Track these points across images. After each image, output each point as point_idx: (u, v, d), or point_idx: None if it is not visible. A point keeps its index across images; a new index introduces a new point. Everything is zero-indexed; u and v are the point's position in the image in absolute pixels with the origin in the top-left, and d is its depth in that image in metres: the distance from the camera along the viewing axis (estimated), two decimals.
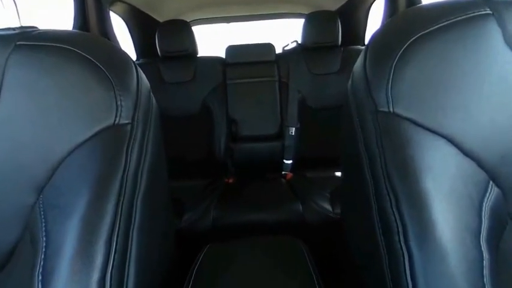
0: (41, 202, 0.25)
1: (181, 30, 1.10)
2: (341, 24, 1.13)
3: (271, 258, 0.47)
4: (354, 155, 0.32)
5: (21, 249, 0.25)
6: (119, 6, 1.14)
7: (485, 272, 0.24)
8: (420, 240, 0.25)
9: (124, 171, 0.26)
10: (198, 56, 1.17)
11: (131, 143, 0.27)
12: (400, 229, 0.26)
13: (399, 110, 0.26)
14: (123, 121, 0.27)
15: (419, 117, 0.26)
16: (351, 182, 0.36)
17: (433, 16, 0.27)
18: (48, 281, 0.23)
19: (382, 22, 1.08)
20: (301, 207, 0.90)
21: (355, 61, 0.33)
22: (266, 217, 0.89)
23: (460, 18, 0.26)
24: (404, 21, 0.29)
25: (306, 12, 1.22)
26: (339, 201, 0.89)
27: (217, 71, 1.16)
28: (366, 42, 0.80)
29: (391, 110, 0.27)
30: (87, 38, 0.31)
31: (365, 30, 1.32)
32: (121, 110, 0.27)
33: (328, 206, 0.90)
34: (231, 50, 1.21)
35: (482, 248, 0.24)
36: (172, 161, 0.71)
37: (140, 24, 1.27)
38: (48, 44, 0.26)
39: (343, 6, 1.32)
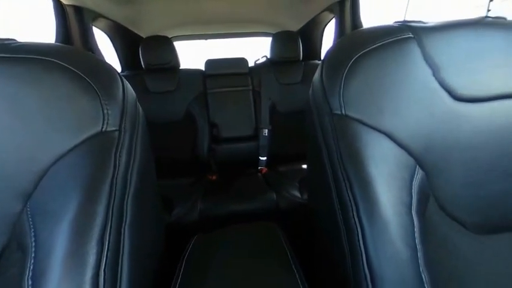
0: (28, 209, 0.22)
1: (163, 45, 1.06)
2: (301, 42, 1.17)
3: (252, 242, 0.47)
4: (316, 149, 0.33)
5: (8, 257, 0.22)
6: (102, 22, 1.06)
7: (416, 235, 0.26)
8: (369, 215, 0.26)
9: (113, 174, 0.25)
10: (180, 68, 1.14)
11: (119, 148, 0.26)
12: (354, 207, 0.27)
13: (349, 113, 0.28)
14: (111, 128, 0.25)
15: (365, 118, 0.27)
16: (315, 172, 0.36)
17: (371, 38, 0.29)
18: (38, 283, 0.20)
19: (334, 41, 1.14)
20: (275, 196, 0.91)
21: (314, 73, 0.34)
22: (246, 207, 0.88)
23: (390, 40, 0.29)
24: (350, 42, 0.31)
25: (273, 32, 1.22)
26: (306, 188, 0.91)
27: (198, 81, 1.14)
28: (322, 57, 0.85)
29: (343, 112, 0.28)
30: (70, 50, 0.27)
31: (321, 47, 1.37)
32: (108, 118, 0.25)
33: (297, 194, 0.91)
34: (210, 63, 1.19)
35: (414, 217, 0.26)
36: (160, 163, 0.68)
37: (124, 39, 1.20)
38: (29, 56, 0.23)
39: (302, 27, 1.36)
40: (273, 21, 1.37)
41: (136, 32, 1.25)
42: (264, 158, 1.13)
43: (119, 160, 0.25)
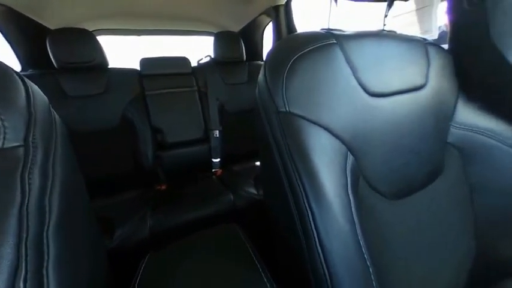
0: None
1: (80, 39, 0.88)
2: (243, 43, 1.18)
3: (212, 247, 0.45)
4: (267, 145, 0.34)
5: None
6: None
7: (353, 210, 0.30)
8: (316, 199, 0.29)
9: (22, 202, 0.20)
10: (109, 67, 0.98)
11: (28, 168, 0.21)
12: (303, 194, 0.30)
13: (293, 109, 0.30)
14: (11, 144, 0.20)
15: (306, 114, 0.30)
16: (267, 167, 0.37)
17: (304, 42, 0.32)
18: None
19: (273, 43, 1.19)
20: (232, 197, 0.89)
21: (259, 73, 0.35)
22: (202, 213, 0.84)
23: (319, 44, 0.33)
24: (287, 45, 0.33)
25: (215, 31, 1.21)
26: (261, 184, 0.93)
27: (133, 82, 1.01)
28: (264, 58, 0.86)
29: (288, 109, 0.30)
30: None
31: (262, 48, 1.43)
32: (5, 132, 0.20)
33: (253, 190, 0.92)
34: (146, 62, 1.07)
35: (350, 196, 0.30)
36: (96, 179, 0.63)
37: (22, 31, 0.94)
38: None
39: (243, 28, 1.38)
40: (213, 20, 1.35)
41: (40, 22, 1.00)
42: (218, 160, 1.11)
43: (28, 183, 0.21)
